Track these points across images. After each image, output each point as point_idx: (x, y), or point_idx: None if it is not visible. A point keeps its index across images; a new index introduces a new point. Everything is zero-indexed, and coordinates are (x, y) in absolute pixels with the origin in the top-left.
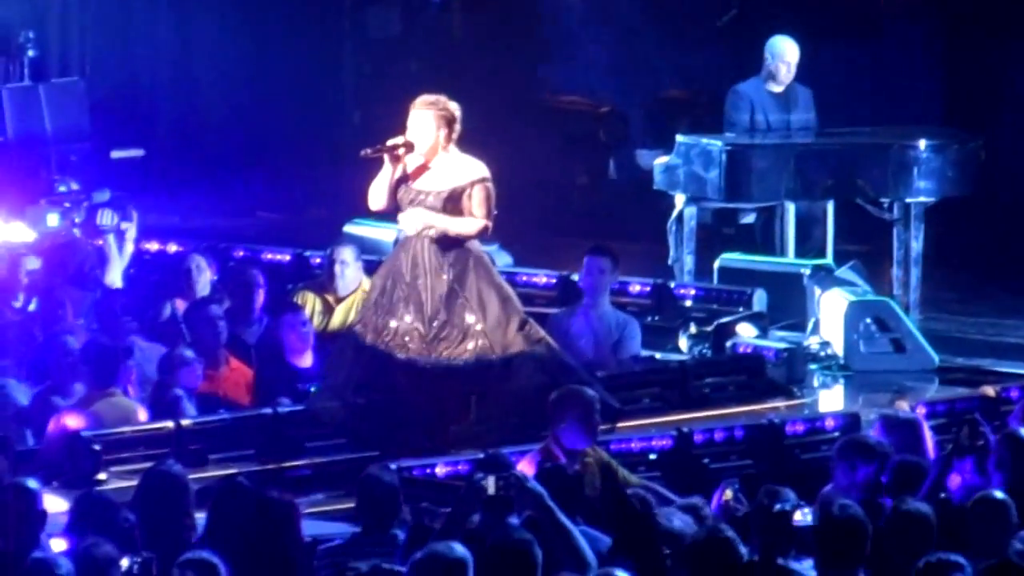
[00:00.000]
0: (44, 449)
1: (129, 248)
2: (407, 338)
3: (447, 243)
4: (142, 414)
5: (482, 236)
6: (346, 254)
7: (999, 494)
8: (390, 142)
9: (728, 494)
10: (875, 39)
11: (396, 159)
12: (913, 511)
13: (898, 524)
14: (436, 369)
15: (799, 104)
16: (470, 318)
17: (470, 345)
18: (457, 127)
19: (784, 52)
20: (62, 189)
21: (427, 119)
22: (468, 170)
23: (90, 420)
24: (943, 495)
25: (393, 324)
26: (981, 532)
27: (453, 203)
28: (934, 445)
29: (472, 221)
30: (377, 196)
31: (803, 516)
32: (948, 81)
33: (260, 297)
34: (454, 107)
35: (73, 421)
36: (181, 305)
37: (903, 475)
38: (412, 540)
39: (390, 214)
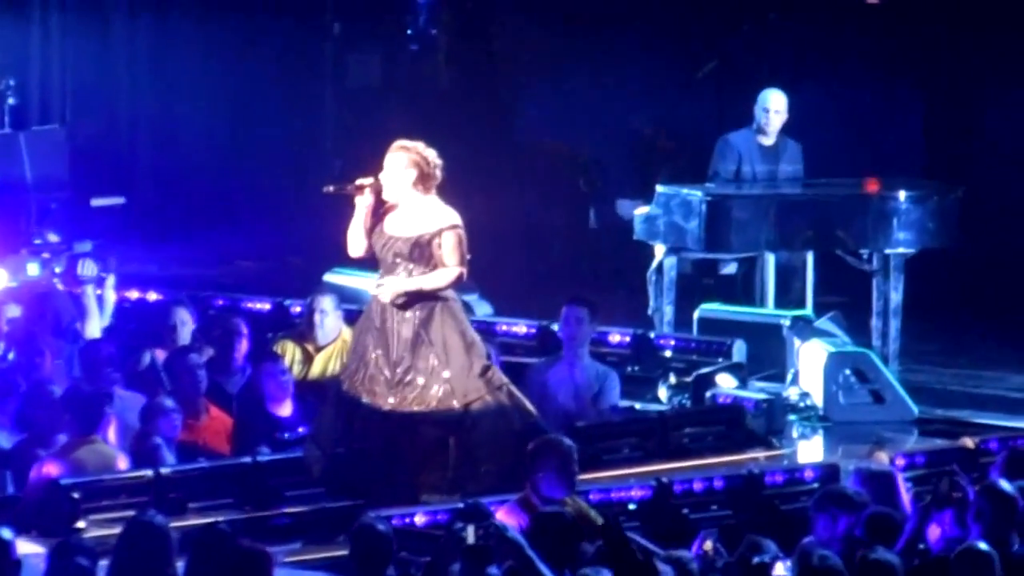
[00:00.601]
0: (25, 497)
1: (110, 298)
2: (375, 384)
3: (411, 297)
4: (123, 462)
5: (458, 284)
6: (325, 303)
7: (983, 546)
8: (357, 181)
9: (708, 545)
10: (854, 89)
11: (362, 199)
12: (881, 560)
13: (865, 574)
14: (402, 416)
15: (787, 157)
16: (434, 362)
17: (434, 390)
18: (435, 174)
19: (767, 100)
20: (46, 239)
21: (399, 161)
22: (438, 217)
23: (71, 467)
24: (922, 546)
25: (363, 371)
26: None
27: (420, 249)
28: (909, 497)
29: (445, 272)
30: (354, 242)
31: (784, 569)
32: (928, 130)
33: (243, 346)
34: (430, 154)
35: (54, 469)
36: (161, 355)
37: (876, 526)
38: None
39: (370, 263)
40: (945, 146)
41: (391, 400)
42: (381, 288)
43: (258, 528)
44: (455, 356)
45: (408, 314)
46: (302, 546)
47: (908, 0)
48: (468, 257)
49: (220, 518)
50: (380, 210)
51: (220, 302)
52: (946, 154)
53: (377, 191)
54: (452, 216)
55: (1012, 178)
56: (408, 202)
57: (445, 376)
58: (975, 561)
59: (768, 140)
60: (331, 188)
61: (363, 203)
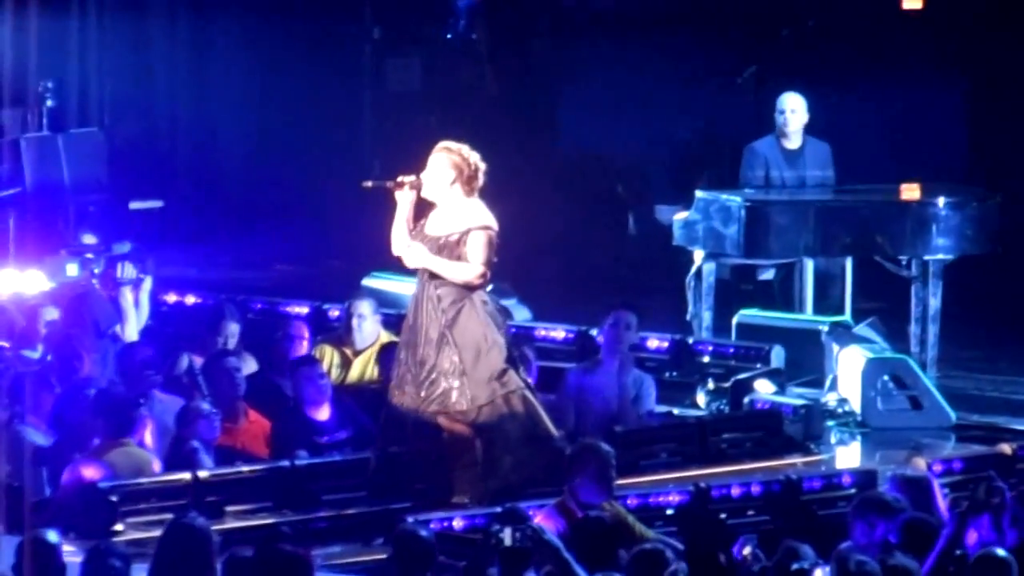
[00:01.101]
0: (59, 499)
1: (145, 301)
2: (404, 382)
3: (446, 287)
4: (156, 465)
5: (478, 283)
6: (363, 308)
7: (1001, 552)
8: (399, 178)
9: (747, 550)
10: (894, 94)
11: (403, 195)
12: (900, 565)
13: None
14: (428, 418)
15: (815, 160)
16: (455, 362)
17: (452, 392)
18: (477, 176)
19: (783, 101)
20: (85, 241)
21: (440, 161)
22: (471, 218)
23: (103, 470)
24: (959, 552)
25: (398, 368)
26: None
27: (449, 249)
28: (945, 503)
29: (465, 266)
30: (396, 239)
31: (822, 574)
32: (971, 136)
33: (303, 350)
34: (473, 157)
35: (88, 471)
36: (198, 359)
37: (911, 533)
38: None
39: (409, 268)
40: (987, 152)
41: (417, 398)
42: (409, 250)
43: (296, 532)
44: (471, 359)
45: (436, 314)
46: (340, 550)
47: (949, 3)
48: (495, 260)
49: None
50: (425, 210)
51: (259, 306)
52: (988, 160)
53: (417, 188)
54: (485, 218)
55: None
56: (447, 202)
57: (462, 378)
58: (993, 567)
59: (791, 143)
60: (369, 183)
61: (404, 200)
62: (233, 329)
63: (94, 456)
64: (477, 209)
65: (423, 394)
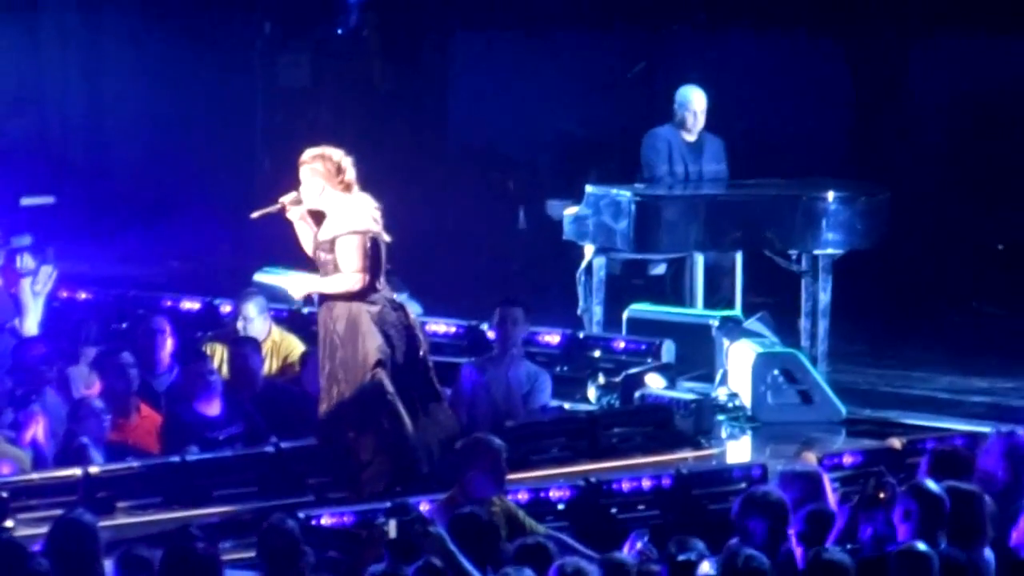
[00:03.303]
0: None
1: (47, 290)
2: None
3: (332, 298)
4: (25, 461)
5: (358, 288)
6: (248, 310)
7: (922, 546)
8: (281, 200)
9: (639, 544)
10: (784, 88)
11: (291, 213)
12: (835, 560)
13: (817, 573)
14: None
15: (709, 154)
16: (338, 367)
17: (334, 393)
18: (343, 171)
19: (690, 101)
20: None
21: (305, 174)
22: (341, 222)
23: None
24: (851, 546)
25: None
26: None
27: (328, 253)
28: (836, 498)
29: (340, 278)
30: (307, 250)
31: (709, 567)
32: (854, 132)
33: (167, 344)
34: (333, 154)
35: None
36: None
37: (816, 523)
38: None
39: (302, 262)
40: (870, 147)
41: (322, 406)
42: (290, 285)
43: (186, 527)
44: (346, 366)
45: (326, 321)
46: (231, 546)
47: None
48: (374, 259)
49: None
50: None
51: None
52: (872, 154)
53: (298, 203)
54: (353, 221)
55: (938, 177)
56: (329, 207)
57: (337, 383)
58: (914, 562)
59: (691, 137)
60: (257, 213)
61: (294, 216)
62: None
63: None
64: (347, 211)
65: (326, 399)
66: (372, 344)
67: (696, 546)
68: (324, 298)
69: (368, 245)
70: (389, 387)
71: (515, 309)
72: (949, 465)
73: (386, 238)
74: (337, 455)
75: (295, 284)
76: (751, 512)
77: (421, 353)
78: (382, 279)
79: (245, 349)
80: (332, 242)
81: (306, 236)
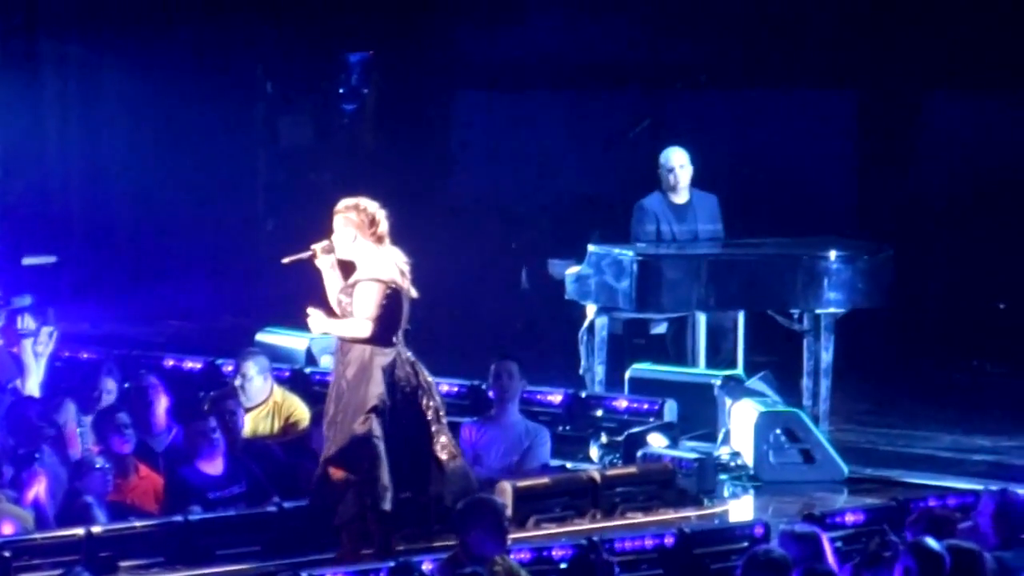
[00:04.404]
0: None
1: (49, 349)
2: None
3: (347, 342)
4: (28, 520)
5: (367, 336)
6: (247, 368)
7: None
8: (313, 247)
9: None
10: (788, 148)
11: (321, 261)
12: None
13: None
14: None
15: (703, 214)
16: (341, 412)
17: (330, 435)
18: (376, 223)
19: (669, 159)
20: None
21: (339, 223)
22: (362, 270)
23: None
24: None
25: None
26: None
27: (346, 300)
28: (835, 557)
29: (351, 323)
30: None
31: None
32: (861, 190)
33: (161, 402)
34: (368, 205)
35: None
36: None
37: None
38: None
39: (304, 323)
40: (876, 205)
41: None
42: (310, 319)
43: None
44: (349, 415)
45: (338, 366)
46: None
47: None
48: (389, 311)
49: None
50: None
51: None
52: (877, 213)
53: (330, 251)
54: (376, 270)
55: (940, 235)
56: (359, 257)
57: (336, 430)
58: None
59: (680, 198)
60: (287, 260)
61: (324, 265)
62: (110, 385)
63: None
64: (373, 260)
65: (329, 442)
66: (374, 390)
67: None
68: (340, 344)
69: (387, 295)
70: (376, 431)
71: (510, 363)
72: (933, 525)
73: (413, 294)
74: (322, 493)
75: (313, 320)
76: (755, 571)
77: (427, 414)
78: (399, 334)
79: (229, 405)
80: (353, 286)
81: (333, 285)
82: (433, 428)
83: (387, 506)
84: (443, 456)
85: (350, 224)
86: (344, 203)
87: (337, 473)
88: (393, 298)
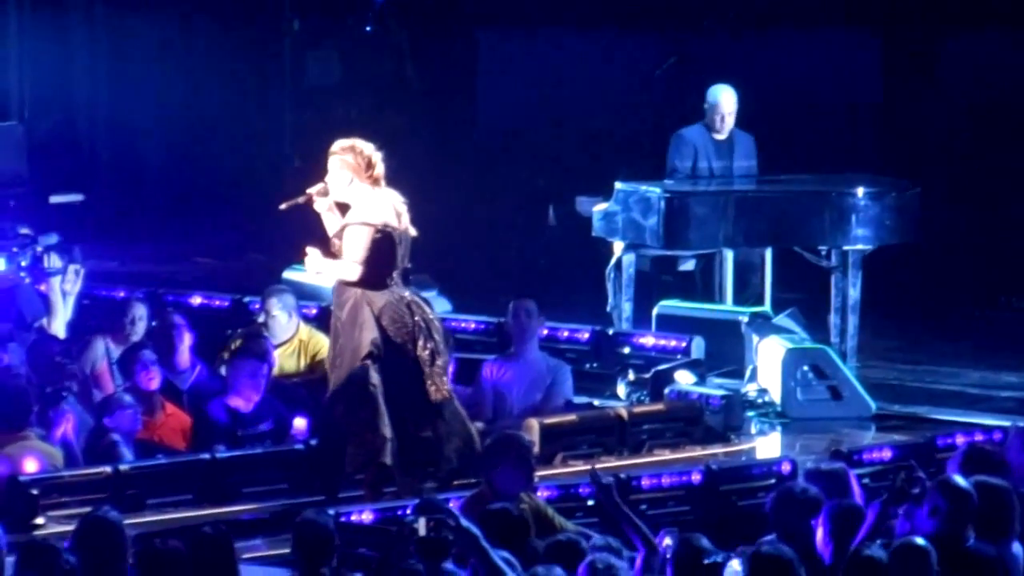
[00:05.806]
0: None
1: (74, 292)
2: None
3: (339, 284)
4: (57, 458)
5: (357, 279)
6: (271, 306)
7: (920, 541)
8: (308, 191)
9: (667, 541)
10: (813, 87)
11: (318, 204)
12: (873, 557)
13: (856, 570)
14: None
15: (741, 151)
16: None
17: (332, 377)
18: (372, 165)
19: (720, 103)
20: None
21: (334, 164)
22: (352, 212)
23: (39, 462)
24: (882, 541)
25: None
26: None
27: (339, 240)
28: (861, 493)
29: (340, 265)
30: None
31: (739, 565)
32: (884, 130)
33: (185, 341)
34: (364, 147)
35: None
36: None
37: (844, 520)
38: None
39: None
40: (900, 142)
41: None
42: (307, 260)
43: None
44: (342, 355)
45: (334, 306)
46: (262, 543)
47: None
48: (368, 256)
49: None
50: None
51: (171, 299)
52: (901, 150)
53: (325, 194)
54: (367, 213)
55: (967, 173)
56: (354, 199)
57: (338, 369)
58: (912, 556)
59: (721, 135)
60: (285, 205)
61: (321, 208)
62: (140, 312)
63: None
64: (366, 202)
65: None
66: (367, 336)
67: (701, 542)
68: (336, 286)
69: (375, 238)
70: (374, 379)
71: (528, 301)
72: (981, 461)
73: (412, 233)
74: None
75: (310, 260)
76: (788, 507)
77: (423, 353)
78: (395, 275)
79: (265, 344)
80: (339, 232)
81: (333, 227)
82: (426, 370)
83: (388, 459)
84: (436, 398)
85: (346, 166)
86: (339, 144)
87: (339, 416)
88: (383, 241)
